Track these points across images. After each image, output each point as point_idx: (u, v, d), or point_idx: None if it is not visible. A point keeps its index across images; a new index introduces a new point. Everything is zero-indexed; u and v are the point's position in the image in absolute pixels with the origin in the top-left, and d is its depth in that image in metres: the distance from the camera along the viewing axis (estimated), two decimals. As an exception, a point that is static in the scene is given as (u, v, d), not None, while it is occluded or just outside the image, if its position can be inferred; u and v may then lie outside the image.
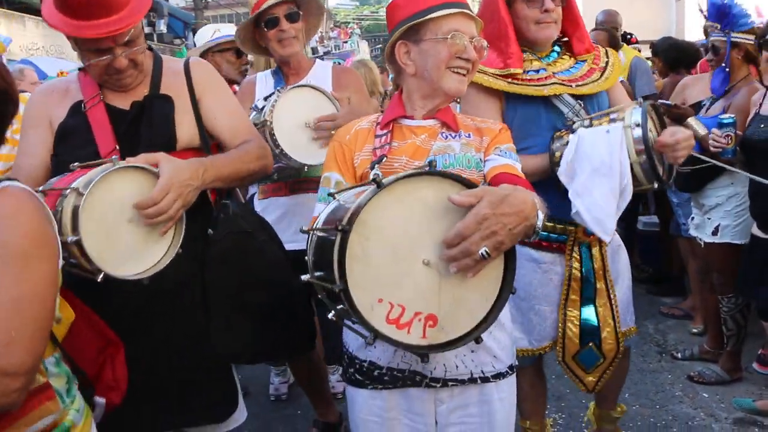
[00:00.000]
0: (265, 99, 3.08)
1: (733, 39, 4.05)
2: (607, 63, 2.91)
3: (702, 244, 4.29)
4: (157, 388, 2.22)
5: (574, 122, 2.69)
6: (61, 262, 1.64)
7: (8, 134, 1.74)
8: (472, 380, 2.07)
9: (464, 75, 2.08)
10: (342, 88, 3.29)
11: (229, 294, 2.27)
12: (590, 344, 2.90)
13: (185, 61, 2.45)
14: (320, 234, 1.76)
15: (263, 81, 3.43)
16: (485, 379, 2.08)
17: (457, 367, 2.04)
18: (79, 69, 2.39)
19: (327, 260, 1.64)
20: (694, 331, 5.10)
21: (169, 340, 2.24)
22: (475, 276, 1.66)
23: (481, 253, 1.58)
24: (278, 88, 3.13)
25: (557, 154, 2.62)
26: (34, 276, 1.51)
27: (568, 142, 2.60)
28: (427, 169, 1.68)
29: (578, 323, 2.87)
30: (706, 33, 4.42)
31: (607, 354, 2.91)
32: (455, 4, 2.05)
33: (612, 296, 2.88)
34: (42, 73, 8.09)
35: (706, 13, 4.23)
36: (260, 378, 4.54)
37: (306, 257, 1.89)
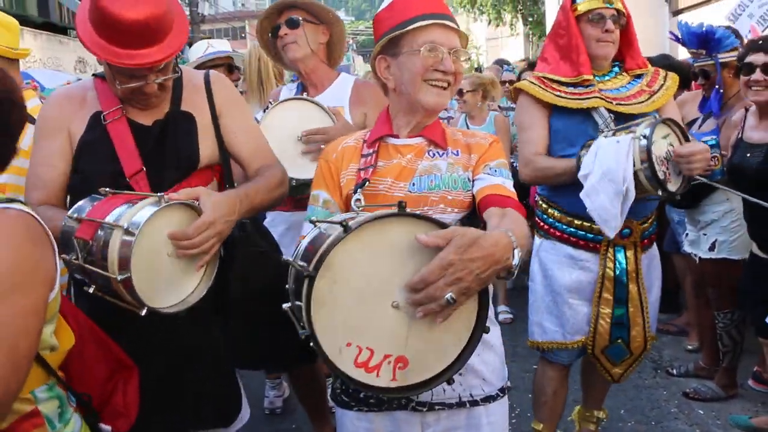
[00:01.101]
0: (264, 111, 3.09)
1: (721, 60, 4.10)
2: (661, 86, 3.14)
3: (697, 260, 4.30)
4: (170, 400, 2.23)
5: (602, 132, 2.94)
6: (56, 289, 1.59)
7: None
8: (461, 404, 2.02)
9: (443, 88, 2.02)
10: (361, 103, 3.27)
11: (248, 308, 2.29)
12: (619, 340, 3.12)
13: (205, 75, 2.44)
14: (296, 267, 1.71)
15: (286, 93, 3.44)
16: (474, 403, 2.03)
17: (444, 390, 1.99)
18: (95, 75, 2.36)
19: (299, 294, 1.62)
20: (690, 347, 5.10)
21: (184, 353, 2.25)
22: (443, 319, 1.62)
23: (447, 299, 1.54)
24: (270, 101, 3.14)
25: (582, 159, 2.88)
26: (12, 306, 1.44)
27: None
28: (396, 210, 1.62)
29: (610, 320, 3.09)
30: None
31: (634, 350, 3.16)
32: (433, 15, 2.00)
33: (644, 298, 3.11)
34: (41, 86, 8.08)
35: (682, 41, 4.28)
36: (255, 391, 4.49)
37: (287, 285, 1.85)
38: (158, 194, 1.95)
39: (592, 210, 2.80)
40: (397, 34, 2.01)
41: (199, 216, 1.99)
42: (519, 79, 6.92)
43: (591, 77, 3.04)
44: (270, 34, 3.35)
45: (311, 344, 1.58)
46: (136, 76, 2.12)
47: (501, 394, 2.10)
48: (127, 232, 1.84)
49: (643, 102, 3.06)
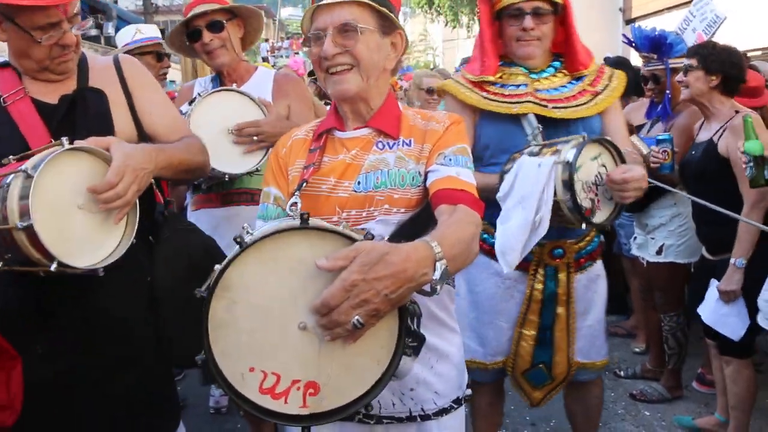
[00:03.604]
0: (190, 103, 2.93)
1: (671, 66, 4.17)
2: (606, 87, 2.82)
3: (644, 263, 4.35)
4: (107, 401, 2.10)
5: (529, 146, 2.62)
6: None
7: None
8: (411, 418, 1.90)
9: (343, 72, 1.85)
10: (283, 95, 3.16)
11: (179, 294, 2.09)
12: (541, 365, 2.87)
13: (114, 57, 2.35)
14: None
15: (202, 87, 3.29)
16: (425, 417, 1.91)
17: (393, 404, 1.88)
18: None
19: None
20: (637, 350, 5.18)
21: (121, 350, 2.11)
22: (358, 340, 1.46)
23: (354, 323, 1.37)
24: (199, 92, 2.97)
25: (504, 176, 2.56)
26: None
27: None
28: (297, 223, 1.46)
29: (533, 343, 2.83)
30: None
31: (556, 376, 2.90)
32: None
33: (571, 324, 2.84)
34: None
35: (634, 45, 4.34)
36: (199, 390, 4.41)
37: None
38: (62, 139, 1.82)
39: (496, 238, 2.49)
40: (306, 30, 1.92)
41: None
42: None
43: (492, 78, 2.76)
44: (186, 39, 3.14)
45: (211, 370, 1.46)
46: (52, 24, 2.01)
47: (455, 406, 1.97)
48: (27, 175, 1.72)
49: (584, 104, 2.74)
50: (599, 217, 2.50)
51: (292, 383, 1.49)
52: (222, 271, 1.45)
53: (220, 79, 3.23)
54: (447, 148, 1.86)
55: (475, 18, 24.12)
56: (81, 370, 2.06)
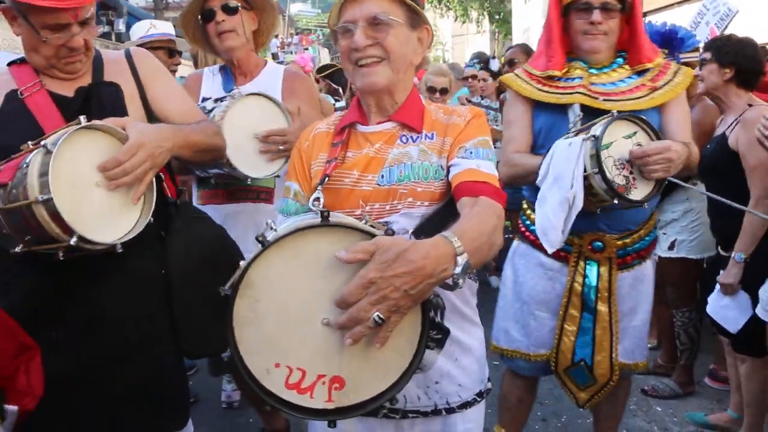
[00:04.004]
0: (215, 101, 2.93)
1: (682, 60, 4.13)
2: (668, 82, 2.80)
3: (656, 258, 4.33)
4: (115, 394, 2.11)
5: (568, 133, 2.68)
6: None
7: None
8: (436, 412, 1.91)
9: (373, 65, 1.84)
10: (293, 95, 3.14)
11: (193, 285, 2.16)
12: (582, 363, 2.85)
13: (125, 50, 2.37)
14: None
15: (209, 77, 3.27)
16: (450, 410, 1.93)
17: (419, 398, 1.89)
18: (9, 64, 2.25)
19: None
20: (648, 345, 5.13)
21: (130, 343, 2.13)
22: None
23: (374, 319, 1.38)
24: (231, 92, 2.95)
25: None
26: None
27: None
28: (318, 221, 1.47)
29: (574, 338, 2.83)
30: None
31: (598, 378, 2.86)
32: None
33: (614, 323, 2.81)
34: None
35: None
36: (211, 384, 4.43)
37: None
38: (79, 117, 1.86)
39: (536, 219, 2.57)
40: (333, 23, 1.92)
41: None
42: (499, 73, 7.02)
43: (558, 73, 2.82)
44: (200, 19, 3.11)
45: (237, 367, 1.48)
46: (61, 26, 2.05)
47: (478, 399, 2.00)
48: (47, 151, 1.75)
49: (639, 98, 2.74)
50: (636, 195, 2.51)
51: (317, 378, 1.51)
52: (245, 270, 1.46)
53: (230, 70, 3.21)
54: (468, 141, 1.87)
55: (484, 13, 24.06)
56: (89, 362, 2.07)
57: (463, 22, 24.65)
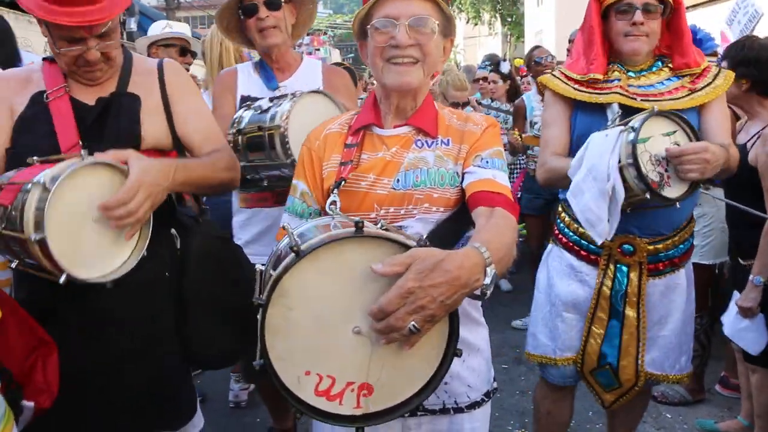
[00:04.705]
0: (271, 100, 2.80)
1: None
2: (708, 84, 2.74)
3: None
4: (116, 394, 2.12)
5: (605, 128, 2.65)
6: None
7: None
8: (444, 411, 1.96)
9: (408, 64, 1.83)
10: (334, 90, 3.05)
11: (206, 297, 2.18)
12: (607, 366, 2.82)
13: (159, 62, 2.35)
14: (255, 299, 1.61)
15: (246, 74, 3.16)
16: (458, 410, 1.97)
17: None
18: (44, 59, 2.27)
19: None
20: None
21: (133, 344, 2.13)
22: None
23: (410, 328, 1.41)
24: (294, 91, 2.81)
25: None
26: None
27: None
28: (352, 232, 1.49)
29: (600, 341, 2.80)
30: None
31: (623, 383, 2.84)
32: None
33: (642, 330, 2.77)
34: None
35: None
36: (219, 384, 4.44)
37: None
38: (82, 152, 1.85)
39: (577, 212, 2.54)
40: (363, 16, 1.90)
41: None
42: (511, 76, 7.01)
43: (601, 77, 2.75)
44: (241, 13, 3.02)
45: (269, 374, 1.50)
46: (76, 39, 2.03)
47: (486, 399, 2.03)
48: (44, 188, 1.75)
49: (678, 99, 2.68)
50: (670, 193, 2.45)
51: (346, 385, 1.54)
52: (278, 279, 1.47)
53: (267, 66, 3.12)
54: (484, 150, 1.90)
55: (497, 15, 24.03)
56: (92, 362, 2.08)
57: (475, 24, 24.65)
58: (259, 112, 2.66)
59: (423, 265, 1.41)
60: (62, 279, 1.79)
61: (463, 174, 1.88)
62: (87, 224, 1.87)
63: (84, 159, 1.83)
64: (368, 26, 1.87)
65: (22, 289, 2.16)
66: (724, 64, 3.54)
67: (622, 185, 2.40)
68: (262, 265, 1.64)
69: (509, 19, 23.57)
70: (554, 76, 2.91)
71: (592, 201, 2.45)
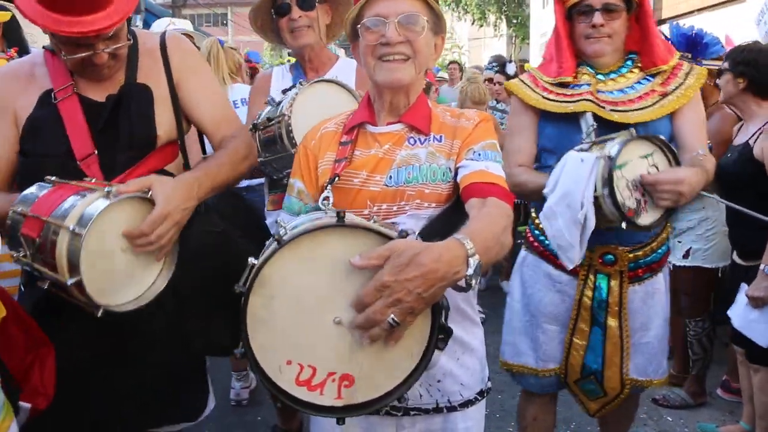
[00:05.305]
0: (284, 92, 2.75)
1: (704, 66, 4.08)
2: (679, 85, 2.66)
3: (671, 267, 4.29)
4: (132, 391, 2.12)
5: (581, 143, 2.55)
6: None
7: None
8: (438, 410, 1.96)
9: (399, 61, 1.86)
10: (365, 89, 3.05)
11: (201, 290, 2.14)
12: (592, 377, 2.77)
13: (161, 40, 2.25)
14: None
15: (280, 76, 3.15)
16: (452, 408, 1.97)
17: (420, 396, 1.92)
18: (44, 48, 2.17)
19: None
20: (660, 354, 5.11)
21: (145, 341, 2.12)
22: None
23: (389, 322, 1.42)
24: (300, 80, 2.78)
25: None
26: None
27: None
28: (334, 221, 1.50)
29: (583, 353, 2.74)
30: None
31: (608, 392, 2.79)
32: None
33: (625, 338, 2.72)
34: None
35: (671, 42, 4.24)
36: (221, 382, 4.44)
37: None
38: (107, 186, 1.82)
39: (549, 235, 2.48)
40: (354, 17, 1.92)
41: (153, 206, 1.88)
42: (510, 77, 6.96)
43: (571, 79, 2.68)
44: (273, 12, 2.98)
45: (249, 362, 1.52)
46: (83, 45, 1.96)
47: (479, 398, 2.03)
48: (74, 234, 1.73)
49: (647, 107, 2.60)
50: (644, 219, 2.39)
51: (327, 375, 1.54)
52: (260, 268, 1.48)
53: (300, 66, 3.08)
54: (476, 143, 1.90)
55: (502, 17, 24.03)
56: (97, 359, 2.07)
57: (481, 26, 24.64)
58: (272, 105, 2.63)
59: (399, 260, 1.42)
60: (99, 313, 1.80)
61: (457, 169, 1.89)
62: (117, 255, 1.87)
63: (111, 198, 1.79)
64: (359, 26, 1.90)
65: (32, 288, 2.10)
66: (725, 64, 3.57)
67: (594, 216, 2.34)
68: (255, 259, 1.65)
69: (515, 21, 23.57)
70: (523, 81, 2.83)
71: (564, 227, 2.39)
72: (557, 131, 2.69)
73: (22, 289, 2.22)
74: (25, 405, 1.79)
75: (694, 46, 4.14)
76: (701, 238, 4.14)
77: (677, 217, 4.21)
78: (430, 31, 1.91)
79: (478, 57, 27.79)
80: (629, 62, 2.74)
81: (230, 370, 4.41)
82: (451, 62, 11.67)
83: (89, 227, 1.73)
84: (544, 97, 2.72)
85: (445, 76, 11.15)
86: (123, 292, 1.89)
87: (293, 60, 3.23)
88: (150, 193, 1.88)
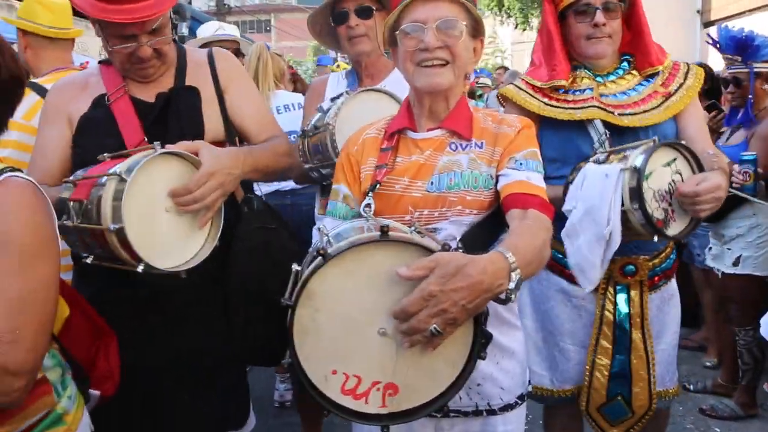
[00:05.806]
0: (332, 100, 2.76)
1: (756, 69, 4.00)
2: (680, 86, 2.58)
3: (720, 275, 4.21)
4: (175, 395, 2.18)
5: (595, 153, 2.46)
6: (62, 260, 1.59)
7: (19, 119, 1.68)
8: (477, 413, 1.96)
9: (438, 66, 1.86)
10: None
11: (252, 291, 2.18)
12: (619, 397, 2.63)
13: (208, 51, 2.40)
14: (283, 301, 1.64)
15: (335, 82, 3.13)
16: (491, 412, 1.96)
17: (460, 398, 1.89)
18: (100, 62, 2.34)
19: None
20: (708, 364, 5.01)
21: (188, 341, 2.18)
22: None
23: (431, 331, 1.44)
24: (347, 89, 2.79)
25: (570, 187, 2.40)
26: (38, 274, 1.48)
27: None
28: (378, 236, 1.53)
29: (608, 373, 2.61)
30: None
31: (636, 410, 2.65)
32: None
33: (649, 349, 2.60)
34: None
35: (718, 45, 4.16)
36: (264, 383, 4.49)
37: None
38: (155, 144, 1.89)
39: (569, 254, 2.34)
40: (392, 23, 1.93)
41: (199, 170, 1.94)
42: None
43: (565, 83, 2.57)
44: (332, 20, 2.94)
45: (296, 372, 1.56)
46: (127, 37, 2.09)
47: (519, 402, 2.02)
48: (120, 179, 1.79)
49: (654, 109, 2.51)
50: (674, 229, 2.28)
51: (372, 384, 1.58)
52: (306, 281, 1.52)
53: (357, 72, 3.07)
54: (518, 152, 1.90)
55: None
56: (158, 358, 2.13)
57: (524, 30, 24.43)
58: (321, 112, 2.64)
59: (445, 270, 1.44)
60: (140, 268, 1.83)
61: (498, 176, 1.89)
62: (160, 214, 1.91)
63: (157, 150, 1.87)
64: (397, 32, 1.91)
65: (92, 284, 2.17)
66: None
67: (620, 232, 2.22)
68: (299, 265, 1.67)
69: (558, 25, 23.34)
70: (518, 87, 2.69)
71: (586, 245, 2.27)
72: (561, 139, 2.58)
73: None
74: (95, 392, 1.85)
75: (744, 48, 4.03)
76: (752, 246, 4.04)
77: (727, 223, 4.12)
78: (469, 35, 1.91)
79: (521, 61, 27.61)
80: (625, 63, 2.65)
81: (273, 371, 4.45)
82: (500, 67, 11.65)
83: (134, 173, 1.79)
84: (545, 104, 2.60)
85: (488, 82, 11.10)
86: (164, 255, 1.91)
87: (334, 65, 3.24)
88: (198, 156, 1.95)
